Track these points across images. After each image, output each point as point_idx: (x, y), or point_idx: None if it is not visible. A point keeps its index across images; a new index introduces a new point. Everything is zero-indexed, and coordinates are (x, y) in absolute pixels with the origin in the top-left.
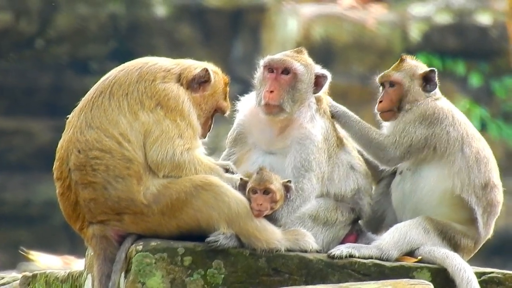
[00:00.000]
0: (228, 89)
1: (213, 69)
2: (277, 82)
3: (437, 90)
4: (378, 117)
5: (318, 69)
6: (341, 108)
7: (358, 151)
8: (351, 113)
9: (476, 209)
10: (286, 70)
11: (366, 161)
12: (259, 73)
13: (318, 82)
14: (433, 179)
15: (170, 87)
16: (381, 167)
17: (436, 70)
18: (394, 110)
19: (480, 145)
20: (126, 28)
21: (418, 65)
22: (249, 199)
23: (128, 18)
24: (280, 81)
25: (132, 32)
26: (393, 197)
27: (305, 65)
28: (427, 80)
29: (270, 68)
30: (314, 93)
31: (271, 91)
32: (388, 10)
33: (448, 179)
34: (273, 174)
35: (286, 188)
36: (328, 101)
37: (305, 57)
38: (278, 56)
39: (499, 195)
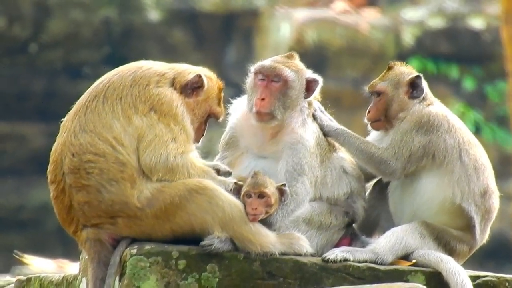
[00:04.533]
0: (222, 94)
1: (207, 74)
2: (268, 89)
3: (429, 95)
4: (369, 127)
5: (309, 73)
6: (338, 126)
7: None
8: (348, 131)
9: (475, 217)
10: (277, 77)
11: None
12: (250, 79)
13: (309, 86)
14: (433, 187)
15: (164, 92)
16: (385, 180)
17: (421, 75)
18: (381, 119)
19: (477, 151)
20: (119, 33)
21: (405, 71)
22: (243, 203)
23: (121, 23)
24: (271, 89)
25: (125, 37)
26: (390, 202)
27: (296, 71)
28: (413, 87)
29: (261, 75)
30: (306, 97)
31: (262, 99)
32: (381, 15)
33: (448, 188)
34: (267, 178)
35: (281, 192)
36: (324, 122)
37: (296, 62)
38: (268, 62)
39: (496, 201)
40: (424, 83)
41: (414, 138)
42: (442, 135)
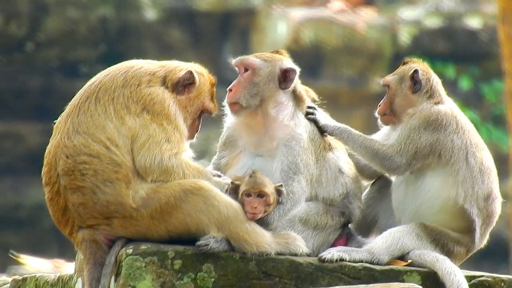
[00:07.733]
0: (214, 89)
1: (198, 70)
2: (237, 80)
3: (440, 93)
4: (379, 121)
5: (286, 63)
6: (341, 125)
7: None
8: (351, 129)
9: (476, 221)
10: (246, 68)
11: (358, 165)
12: None
13: (286, 76)
14: (437, 186)
15: (156, 91)
16: (390, 176)
17: (419, 69)
18: (387, 113)
19: (484, 155)
20: (116, 32)
21: (412, 67)
22: (242, 203)
23: (118, 22)
24: (240, 79)
25: (122, 36)
26: (393, 198)
27: (265, 59)
28: (415, 81)
29: (237, 68)
30: (285, 88)
31: (230, 90)
32: (378, 14)
33: (452, 188)
34: (266, 177)
35: (278, 192)
36: (327, 121)
37: (276, 55)
38: (242, 56)
39: (498, 207)
40: (437, 80)
41: (421, 136)
42: (449, 135)
